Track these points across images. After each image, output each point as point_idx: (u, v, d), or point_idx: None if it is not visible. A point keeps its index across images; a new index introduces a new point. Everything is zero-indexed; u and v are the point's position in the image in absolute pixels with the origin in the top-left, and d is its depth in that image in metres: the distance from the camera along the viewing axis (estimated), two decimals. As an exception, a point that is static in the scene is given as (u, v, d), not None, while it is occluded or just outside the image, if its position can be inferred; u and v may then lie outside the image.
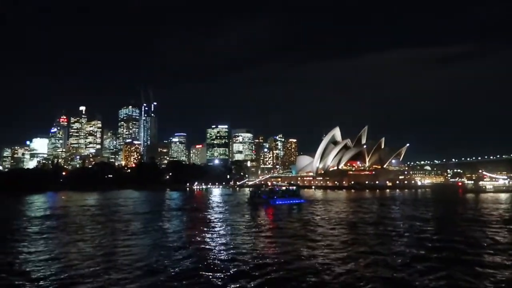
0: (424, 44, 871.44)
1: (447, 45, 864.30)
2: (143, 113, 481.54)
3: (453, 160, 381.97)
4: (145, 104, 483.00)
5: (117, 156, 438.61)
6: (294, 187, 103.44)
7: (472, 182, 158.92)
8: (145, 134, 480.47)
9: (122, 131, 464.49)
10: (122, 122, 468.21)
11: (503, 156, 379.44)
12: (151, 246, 32.68)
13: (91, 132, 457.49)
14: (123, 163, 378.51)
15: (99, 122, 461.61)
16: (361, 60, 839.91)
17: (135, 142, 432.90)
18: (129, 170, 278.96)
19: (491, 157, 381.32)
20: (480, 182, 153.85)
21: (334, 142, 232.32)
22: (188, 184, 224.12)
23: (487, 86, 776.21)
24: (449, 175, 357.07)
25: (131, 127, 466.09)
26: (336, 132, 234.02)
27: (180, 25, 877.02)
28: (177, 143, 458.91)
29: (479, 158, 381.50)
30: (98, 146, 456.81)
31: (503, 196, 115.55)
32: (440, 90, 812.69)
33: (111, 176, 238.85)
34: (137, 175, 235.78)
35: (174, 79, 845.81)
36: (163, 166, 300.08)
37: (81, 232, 41.83)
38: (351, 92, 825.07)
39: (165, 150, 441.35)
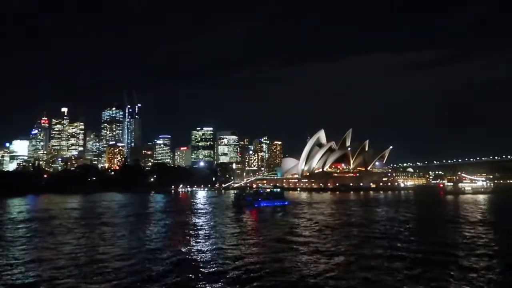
0: (411, 48, 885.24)
1: (435, 48, 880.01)
2: (127, 114, 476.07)
3: (435, 162, 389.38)
4: (129, 106, 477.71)
5: (100, 159, 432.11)
6: (279, 189, 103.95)
7: (452, 184, 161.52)
8: (129, 136, 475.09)
9: (106, 133, 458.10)
10: (106, 124, 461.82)
11: (483, 159, 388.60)
12: (132, 250, 32.11)
13: (73, 133, 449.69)
14: (106, 165, 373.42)
15: (82, 123, 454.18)
16: (341, 63, 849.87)
17: (119, 144, 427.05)
18: (112, 173, 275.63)
19: (471, 160, 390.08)
20: (460, 184, 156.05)
21: (319, 144, 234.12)
22: (173, 186, 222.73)
23: (468, 89, 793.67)
24: (430, 177, 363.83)
25: (114, 129, 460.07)
26: (321, 135, 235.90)
27: (165, 25, 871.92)
28: (162, 145, 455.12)
29: (460, 160, 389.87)
30: (81, 148, 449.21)
31: (481, 197, 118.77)
32: (423, 93, 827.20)
33: (94, 178, 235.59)
34: (121, 178, 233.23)
35: (159, 80, 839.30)
36: (147, 168, 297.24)
37: (61, 236, 41.05)
38: (335, 94, 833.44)
39: (149, 153, 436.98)
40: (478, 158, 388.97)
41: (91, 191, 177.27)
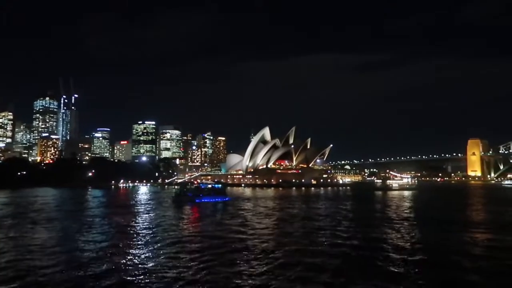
0: (351, 51, 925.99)
1: (371, 53, 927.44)
2: (62, 105, 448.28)
3: (370, 160, 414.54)
4: (64, 96, 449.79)
5: (31, 151, 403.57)
6: (220, 185, 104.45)
7: (381, 181, 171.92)
8: (64, 128, 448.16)
9: (38, 124, 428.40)
10: (38, 115, 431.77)
11: (412, 158, 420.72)
12: (55, 249, 30.29)
13: (1, 124, 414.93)
14: (38, 159, 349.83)
15: (11, 113, 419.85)
16: (290, 62, 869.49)
17: (53, 136, 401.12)
18: (45, 167, 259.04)
19: (402, 158, 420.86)
20: (388, 181, 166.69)
21: (263, 141, 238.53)
22: (113, 182, 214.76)
23: (404, 93, 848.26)
24: (366, 174, 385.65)
25: (48, 120, 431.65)
26: (266, 132, 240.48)
27: (110, 12, 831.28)
28: (100, 138, 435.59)
29: (392, 159, 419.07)
30: (9, 140, 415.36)
31: (406, 193, 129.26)
32: (362, 95, 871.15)
33: (24, 172, 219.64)
34: (56, 172, 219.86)
35: (98, 70, 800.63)
36: (85, 162, 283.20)
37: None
38: (279, 93, 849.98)
39: (86, 146, 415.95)
40: (408, 157, 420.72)
41: (21, 186, 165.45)
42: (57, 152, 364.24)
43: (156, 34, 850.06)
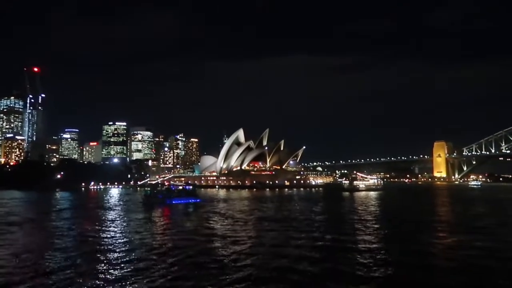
0: (323, 53, 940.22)
1: (344, 54, 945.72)
2: (28, 105, 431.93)
3: (341, 162, 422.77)
4: (31, 96, 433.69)
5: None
6: (191, 187, 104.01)
7: (348, 182, 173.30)
8: (31, 129, 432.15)
9: (2, 124, 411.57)
10: (2, 115, 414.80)
11: (382, 159, 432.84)
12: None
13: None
14: (2, 160, 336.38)
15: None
16: (263, 63, 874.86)
17: (18, 137, 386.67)
18: (10, 169, 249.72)
19: (372, 160, 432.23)
20: (355, 182, 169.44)
21: (237, 143, 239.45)
22: (83, 184, 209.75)
23: (374, 96, 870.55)
24: (337, 175, 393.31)
25: (12, 121, 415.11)
26: (240, 134, 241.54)
27: (73, 10, 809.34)
28: (69, 139, 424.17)
29: (362, 161, 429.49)
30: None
31: (373, 193, 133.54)
32: (332, 97, 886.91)
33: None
34: (22, 174, 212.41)
35: (66, 70, 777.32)
36: (52, 164, 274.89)
37: None
38: (252, 94, 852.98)
39: (54, 147, 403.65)
40: (378, 159, 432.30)
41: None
42: (22, 154, 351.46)
43: (126, 33, 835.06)
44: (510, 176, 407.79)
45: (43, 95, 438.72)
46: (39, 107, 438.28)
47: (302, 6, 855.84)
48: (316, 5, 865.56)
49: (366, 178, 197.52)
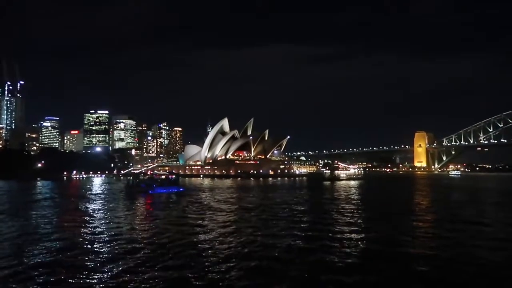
0: (307, 42, 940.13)
1: (329, 43, 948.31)
2: (6, 92, 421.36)
3: (324, 151, 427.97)
4: (9, 83, 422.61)
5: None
6: (174, 176, 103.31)
7: (329, 171, 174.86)
8: (9, 116, 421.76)
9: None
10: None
11: (364, 149, 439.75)
12: None
13: None
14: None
15: None
16: (244, 51, 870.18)
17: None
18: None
19: (355, 150, 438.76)
20: (336, 172, 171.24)
21: (222, 132, 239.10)
22: (65, 173, 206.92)
23: (355, 85, 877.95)
24: (320, 165, 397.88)
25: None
26: (225, 123, 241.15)
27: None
28: (49, 128, 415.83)
29: (345, 150, 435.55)
30: None
31: (353, 182, 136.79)
32: (316, 87, 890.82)
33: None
34: (1, 163, 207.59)
35: (46, 55, 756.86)
36: (33, 153, 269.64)
37: None
38: (236, 83, 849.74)
39: (34, 136, 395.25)
40: (360, 149, 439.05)
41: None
42: (1, 142, 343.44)
43: (107, 19, 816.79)
44: (487, 166, 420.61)
45: (21, 82, 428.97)
46: (18, 94, 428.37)
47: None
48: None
49: (348, 168, 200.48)
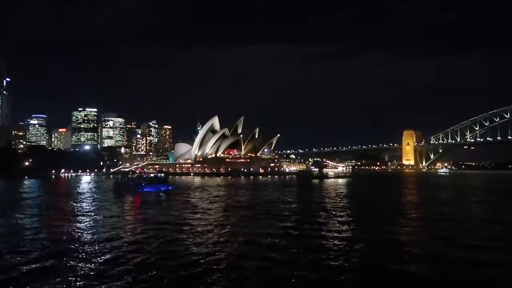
0: (298, 41, 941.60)
1: (318, 44, 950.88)
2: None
3: (314, 150, 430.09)
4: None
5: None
6: (163, 174, 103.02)
7: (318, 169, 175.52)
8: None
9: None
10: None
11: (353, 147, 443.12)
12: None
13: None
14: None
15: None
16: (236, 51, 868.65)
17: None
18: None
19: (344, 148, 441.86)
20: (324, 170, 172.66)
21: (212, 130, 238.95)
22: (53, 171, 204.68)
23: (348, 85, 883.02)
24: (310, 163, 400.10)
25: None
26: (215, 121, 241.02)
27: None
28: (36, 125, 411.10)
29: (335, 148, 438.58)
30: None
31: (341, 180, 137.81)
32: (306, 86, 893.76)
33: None
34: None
35: (34, 52, 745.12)
36: (20, 151, 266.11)
37: None
38: (226, 81, 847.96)
39: (21, 134, 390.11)
40: (349, 147, 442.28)
41: None
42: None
43: (97, 17, 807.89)
44: (473, 163, 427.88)
45: (8, 79, 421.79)
46: (4, 91, 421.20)
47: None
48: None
49: (337, 166, 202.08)
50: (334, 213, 44.54)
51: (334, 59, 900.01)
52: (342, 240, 28.42)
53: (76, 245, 27.09)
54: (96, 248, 26.17)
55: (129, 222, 39.15)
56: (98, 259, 23.10)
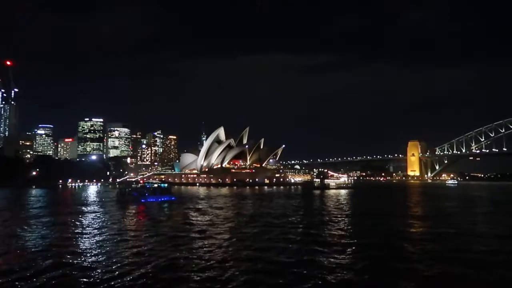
0: (299, 52, 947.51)
1: (321, 53, 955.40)
2: (0, 99, 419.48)
3: (319, 160, 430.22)
4: (3, 90, 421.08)
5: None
6: (166, 185, 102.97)
7: (319, 180, 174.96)
8: (3, 124, 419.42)
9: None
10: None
11: (358, 158, 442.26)
12: None
13: None
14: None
15: None
16: (238, 61, 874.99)
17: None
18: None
19: (348, 158, 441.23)
20: (326, 180, 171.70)
21: (218, 141, 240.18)
22: (60, 181, 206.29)
23: (353, 95, 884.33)
24: (314, 174, 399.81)
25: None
26: (221, 132, 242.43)
27: (48, 5, 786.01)
28: (43, 135, 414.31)
29: (339, 159, 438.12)
30: None
31: (343, 191, 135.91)
32: (310, 97, 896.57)
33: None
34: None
35: (41, 64, 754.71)
36: (27, 161, 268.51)
37: None
38: (229, 92, 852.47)
39: (28, 143, 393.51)
40: (354, 158, 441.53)
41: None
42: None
43: (101, 29, 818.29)
44: (479, 175, 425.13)
45: (16, 90, 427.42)
46: (12, 102, 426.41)
47: (279, 5, 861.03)
48: (293, 5, 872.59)
49: (340, 176, 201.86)
50: (323, 223, 44.50)
51: (334, 68, 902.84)
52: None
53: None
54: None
55: (131, 235, 37.62)
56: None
